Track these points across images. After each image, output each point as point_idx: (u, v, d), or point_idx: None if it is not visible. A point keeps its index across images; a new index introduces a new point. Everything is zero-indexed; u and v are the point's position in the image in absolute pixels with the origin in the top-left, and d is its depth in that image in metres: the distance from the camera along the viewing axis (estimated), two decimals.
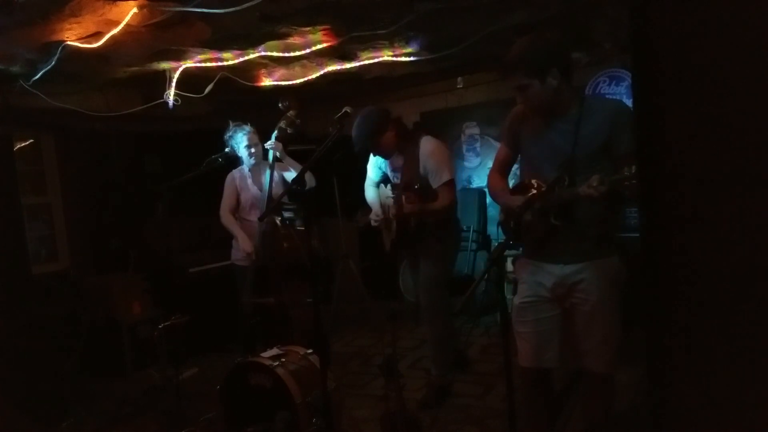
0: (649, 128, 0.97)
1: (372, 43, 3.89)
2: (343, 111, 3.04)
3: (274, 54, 3.87)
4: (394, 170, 3.45)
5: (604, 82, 4.97)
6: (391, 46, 4.00)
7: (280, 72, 4.46)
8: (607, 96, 4.76)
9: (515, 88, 2.14)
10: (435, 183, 3.21)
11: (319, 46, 3.79)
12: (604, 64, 4.90)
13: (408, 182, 3.25)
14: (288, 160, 3.69)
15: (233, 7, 2.81)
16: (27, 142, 4.80)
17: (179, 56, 3.82)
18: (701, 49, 0.88)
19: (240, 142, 3.71)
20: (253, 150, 3.73)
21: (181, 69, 4.05)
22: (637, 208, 3.14)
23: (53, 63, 3.42)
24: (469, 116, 5.78)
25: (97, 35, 3.14)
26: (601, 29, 4.03)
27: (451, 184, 3.24)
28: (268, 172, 3.60)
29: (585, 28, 3.97)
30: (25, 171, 4.63)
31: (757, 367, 0.87)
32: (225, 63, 3.99)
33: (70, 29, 3.03)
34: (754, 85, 0.85)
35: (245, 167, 3.84)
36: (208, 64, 3.99)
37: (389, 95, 5.88)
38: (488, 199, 5.51)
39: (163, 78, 4.12)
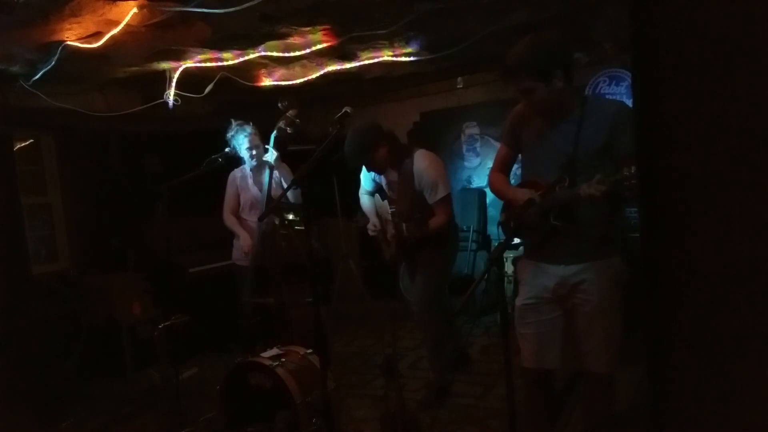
0: (648, 128, 0.97)
1: (372, 43, 3.89)
2: (343, 111, 3.04)
3: (274, 54, 3.87)
4: (387, 186, 3.43)
5: (604, 82, 4.97)
6: (391, 46, 4.00)
7: (280, 72, 4.46)
8: (607, 96, 4.76)
9: (520, 91, 2.12)
10: (431, 199, 3.19)
11: (319, 46, 3.79)
12: (604, 64, 4.91)
13: (403, 201, 3.23)
14: (282, 170, 3.67)
15: (233, 7, 2.81)
16: (27, 142, 4.80)
17: (179, 56, 3.82)
18: (702, 49, 0.88)
19: (241, 143, 3.70)
20: (254, 152, 3.72)
21: (181, 69, 4.05)
22: (637, 208, 3.14)
23: (53, 63, 3.42)
24: (469, 116, 5.78)
25: (97, 35, 3.15)
26: (601, 29, 4.03)
27: (447, 199, 3.22)
28: (267, 172, 3.60)
29: (585, 28, 3.97)
30: (25, 171, 4.62)
31: (757, 367, 0.87)
32: (225, 63, 3.99)
33: (70, 29, 3.03)
34: (754, 85, 0.85)
35: (246, 167, 3.84)
36: (208, 64, 3.99)
37: (389, 95, 5.88)
38: (488, 199, 5.52)
39: (163, 78, 4.12)
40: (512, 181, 2.50)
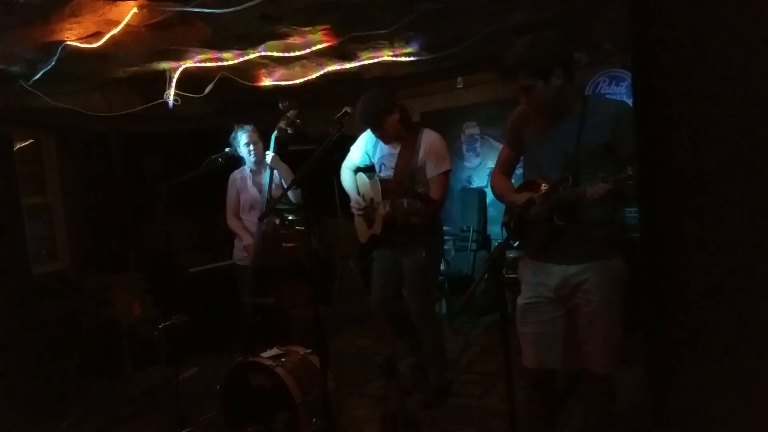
0: (648, 128, 0.97)
1: (372, 43, 3.89)
2: (343, 111, 3.04)
3: (274, 54, 3.87)
4: (383, 160, 3.37)
5: (604, 82, 4.97)
6: (391, 46, 4.00)
7: (280, 72, 4.46)
8: (607, 96, 4.76)
9: (519, 89, 2.13)
10: (433, 172, 3.17)
11: (319, 46, 3.79)
12: (604, 64, 4.91)
13: (402, 176, 3.19)
14: (282, 170, 3.67)
15: (233, 7, 2.81)
16: (27, 142, 4.80)
17: (179, 56, 3.82)
18: (701, 49, 0.88)
19: (240, 140, 3.72)
20: (252, 147, 3.73)
21: (181, 69, 4.04)
22: (637, 208, 3.13)
23: (53, 63, 3.42)
24: (469, 116, 5.78)
25: (97, 35, 3.14)
26: (601, 29, 4.03)
27: (448, 174, 3.22)
28: (267, 172, 3.60)
29: (585, 28, 3.97)
30: (25, 171, 4.63)
31: (757, 367, 0.87)
32: (225, 63, 3.99)
33: (70, 29, 3.03)
34: (754, 85, 0.85)
35: (246, 168, 3.84)
36: (208, 64, 3.99)
37: None
38: (488, 199, 5.51)
39: (163, 78, 4.11)
40: (513, 181, 2.50)
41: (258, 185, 3.79)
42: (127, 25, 3.00)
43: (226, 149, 3.66)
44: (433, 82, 5.61)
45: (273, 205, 3.43)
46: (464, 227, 5.47)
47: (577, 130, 2.11)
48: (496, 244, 5.03)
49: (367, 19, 3.35)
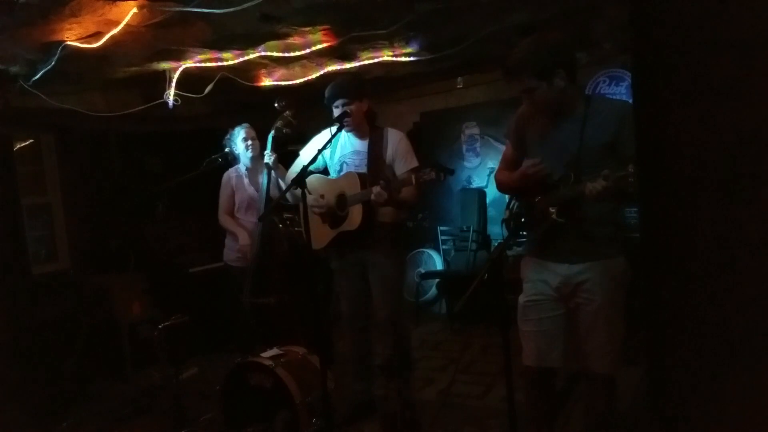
0: (649, 128, 0.97)
1: (372, 43, 3.89)
2: (343, 111, 3.04)
3: (274, 54, 3.87)
4: (344, 159, 3.23)
5: (604, 82, 4.97)
6: (391, 46, 4.00)
7: (280, 72, 4.46)
8: (607, 96, 4.76)
9: (522, 91, 2.13)
10: (402, 168, 3.08)
11: (319, 46, 3.79)
12: (604, 64, 4.91)
13: (372, 171, 3.09)
14: (280, 171, 3.64)
15: (233, 7, 2.81)
16: (27, 142, 4.80)
17: (179, 56, 3.82)
18: (702, 49, 0.88)
19: (237, 135, 3.73)
20: (249, 142, 3.73)
21: (181, 69, 4.04)
22: (637, 207, 3.13)
23: (53, 63, 3.42)
24: (469, 116, 5.78)
25: (97, 35, 3.14)
26: (601, 29, 4.03)
27: (417, 170, 3.10)
28: (265, 172, 3.59)
29: (585, 28, 3.97)
30: (25, 171, 4.63)
31: (758, 367, 0.87)
32: (225, 63, 3.99)
33: (70, 29, 3.03)
34: (754, 85, 0.85)
35: (242, 167, 3.83)
36: (208, 64, 3.99)
37: (389, 95, 5.87)
38: (488, 199, 5.52)
39: (163, 78, 4.11)
40: None
41: (255, 185, 3.78)
42: (127, 25, 3.00)
43: (226, 149, 3.66)
44: (432, 82, 5.61)
45: (274, 205, 3.43)
46: (464, 227, 5.47)
47: (579, 130, 2.11)
48: (496, 244, 5.03)
49: (366, 19, 3.35)
